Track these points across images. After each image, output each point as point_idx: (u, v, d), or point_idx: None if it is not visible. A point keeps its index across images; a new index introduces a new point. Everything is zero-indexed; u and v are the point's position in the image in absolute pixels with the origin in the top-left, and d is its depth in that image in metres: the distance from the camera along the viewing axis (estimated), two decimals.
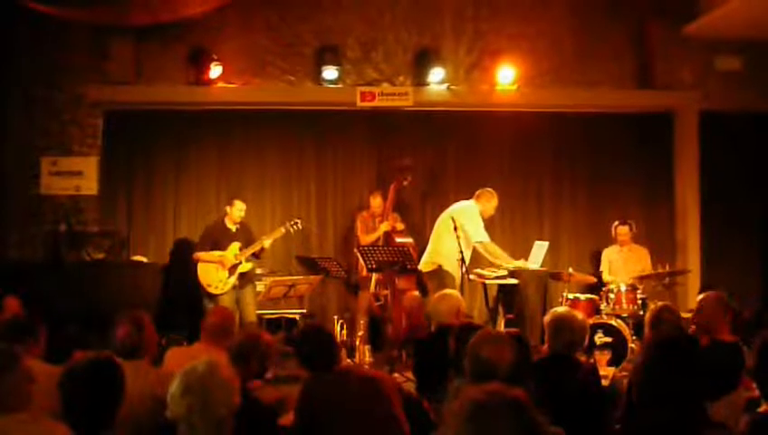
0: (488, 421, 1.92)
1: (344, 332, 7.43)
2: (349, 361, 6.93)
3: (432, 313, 5.15)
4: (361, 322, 7.58)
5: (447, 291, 5.40)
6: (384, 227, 7.91)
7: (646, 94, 8.88)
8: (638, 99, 8.93)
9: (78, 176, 8.41)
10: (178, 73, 8.50)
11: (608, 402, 3.86)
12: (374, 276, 7.61)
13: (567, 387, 3.72)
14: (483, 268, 7.52)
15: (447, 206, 7.69)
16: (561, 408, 3.10)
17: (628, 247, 8.16)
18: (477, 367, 3.25)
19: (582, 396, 3.73)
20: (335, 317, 7.84)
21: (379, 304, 7.67)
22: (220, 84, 8.41)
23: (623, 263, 8.09)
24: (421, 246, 7.70)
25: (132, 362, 3.51)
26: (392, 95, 8.65)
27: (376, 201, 8.12)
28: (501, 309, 7.56)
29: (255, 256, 7.61)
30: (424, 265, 7.44)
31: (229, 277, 7.46)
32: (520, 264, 7.37)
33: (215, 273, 7.48)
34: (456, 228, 6.95)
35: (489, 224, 7.55)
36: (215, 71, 8.31)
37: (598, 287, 7.75)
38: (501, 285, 7.52)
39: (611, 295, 7.28)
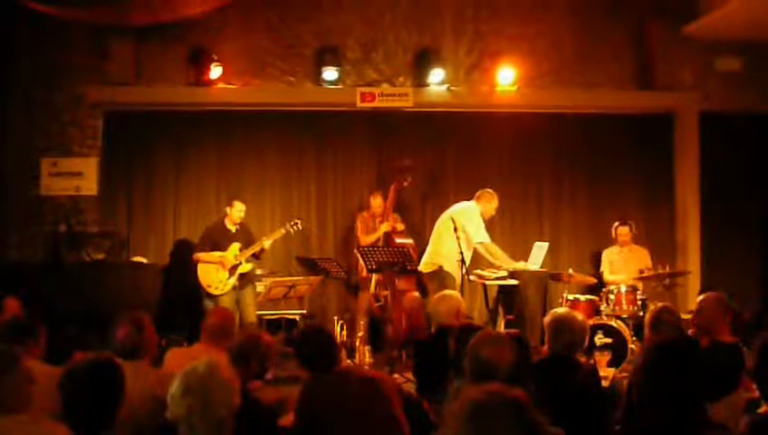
0: (488, 422, 1.92)
1: (344, 332, 7.43)
2: (349, 361, 6.93)
3: (432, 313, 5.15)
4: (361, 322, 7.58)
5: (447, 292, 5.40)
6: (384, 227, 7.91)
7: (646, 95, 8.88)
8: (638, 100, 8.93)
9: (78, 176, 8.42)
10: (178, 74, 8.50)
11: (608, 403, 3.86)
12: (374, 277, 7.61)
13: (567, 388, 3.72)
14: (483, 269, 7.53)
15: (447, 206, 7.70)
16: (561, 409, 3.10)
17: (628, 248, 8.16)
18: (477, 368, 3.25)
19: (582, 397, 3.73)
20: (335, 318, 7.84)
21: (379, 304, 7.67)
22: (220, 85, 8.42)
23: (623, 263, 8.09)
24: (421, 247, 7.71)
25: (132, 362, 3.51)
26: (392, 96, 8.65)
27: (376, 202, 8.12)
28: (501, 310, 7.56)
29: (255, 256, 7.62)
30: (424, 265, 7.44)
31: (229, 278, 7.47)
32: (520, 265, 7.37)
33: (215, 273, 7.49)
34: (456, 229, 6.95)
35: (489, 225, 7.55)
36: (215, 71, 8.31)
37: (598, 288, 7.75)
38: (501, 286, 7.52)
39: (611, 296, 7.28)
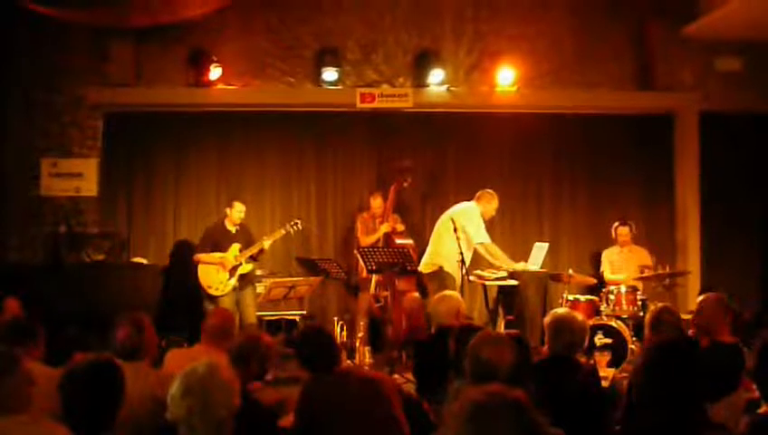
0: (488, 422, 1.92)
1: (344, 333, 7.43)
2: (349, 362, 6.93)
3: (432, 314, 5.15)
4: (361, 323, 7.58)
5: (447, 292, 5.40)
6: (384, 228, 7.91)
7: (646, 95, 8.88)
8: (638, 100, 8.92)
9: (78, 177, 8.42)
10: (178, 75, 8.50)
11: (608, 404, 3.86)
12: (374, 278, 7.60)
13: (567, 388, 3.72)
14: (483, 270, 7.53)
15: (447, 207, 7.70)
16: (561, 409, 3.10)
17: (628, 248, 8.16)
18: (477, 368, 3.25)
19: (582, 397, 3.73)
20: (335, 319, 7.84)
21: (379, 305, 7.67)
22: (220, 86, 8.42)
23: (624, 264, 8.09)
24: (421, 248, 7.71)
25: (132, 363, 3.51)
26: (392, 97, 8.66)
27: (376, 202, 8.12)
28: (501, 310, 7.57)
29: (254, 258, 7.60)
30: (424, 266, 7.44)
31: (229, 279, 7.46)
32: (520, 266, 7.37)
33: (215, 274, 7.49)
34: (456, 230, 6.95)
35: (489, 225, 7.55)
36: (214, 72, 8.32)
37: (598, 289, 7.75)
38: (501, 287, 7.53)
39: (611, 297, 7.28)
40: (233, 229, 7.63)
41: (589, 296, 7.55)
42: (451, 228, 7.02)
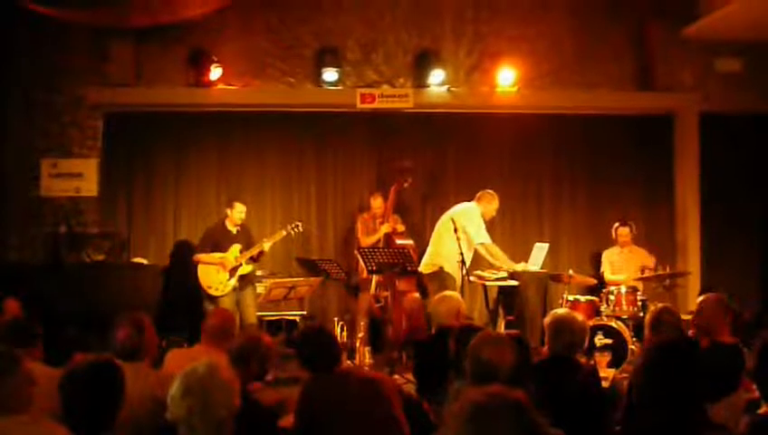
0: (488, 423, 1.92)
1: (344, 333, 7.43)
2: (349, 362, 6.93)
3: (432, 314, 5.15)
4: (361, 323, 7.58)
5: (448, 293, 5.40)
6: (384, 228, 7.91)
7: (646, 96, 8.88)
8: (638, 101, 8.92)
9: (78, 178, 8.42)
10: (178, 75, 8.50)
11: (608, 404, 3.86)
12: (374, 278, 7.60)
13: (567, 389, 3.72)
14: (483, 270, 7.53)
15: (448, 207, 7.70)
16: (562, 409, 3.10)
17: (628, 249, 8.16)
18: (478, 369, 3.25)
19: (582, 398, 3.73)
20: (335, 319, 7.85)
21: (379, 305, 7.67)
22: (220, 86, 8.41)
23: (624, 264, 8.09)
24: (421, 248, 7.71)
25: (132, 363, 3.51)
26: (392, 97, 8.65)
27: (376, 203, 8.12)
28: (501, 311, 7.57)
29: (254, 259, 7.59)
30: (424, 266, 7.44)
31: (230, 279, 7.46)
32: (520, 266, 7.37)
33: (215, 275, 7.48)
34: (456, 230, 6.95)
35: (489, 226, 7.55)
36: (215, 72, 8.31)
37: (598, 289, 7.75)
38: (501, 287, 7.53)
39: (611, 297, 7.28)
40: (233, 230, 7.62)
41: (589, 297, 7.56)
42: (451, 229, 7.02)
